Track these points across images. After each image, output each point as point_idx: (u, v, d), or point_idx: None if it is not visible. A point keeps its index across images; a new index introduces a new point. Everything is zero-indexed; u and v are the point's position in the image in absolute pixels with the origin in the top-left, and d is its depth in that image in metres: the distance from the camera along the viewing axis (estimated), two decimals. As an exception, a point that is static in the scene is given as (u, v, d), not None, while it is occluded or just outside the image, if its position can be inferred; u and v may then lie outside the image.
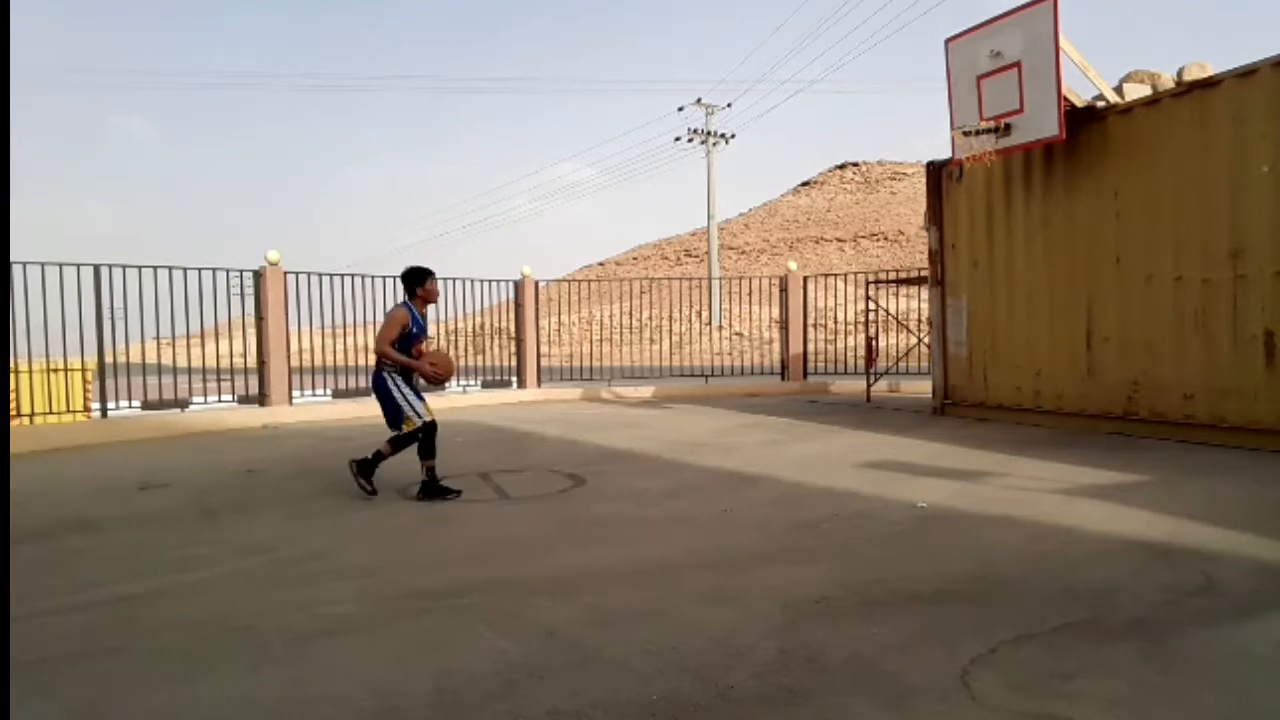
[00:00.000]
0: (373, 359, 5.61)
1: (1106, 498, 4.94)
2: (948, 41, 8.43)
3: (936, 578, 3.52)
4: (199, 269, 9.91)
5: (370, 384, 5.68)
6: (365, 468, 5.49)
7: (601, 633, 2.98)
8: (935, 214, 9.71)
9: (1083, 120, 7.73)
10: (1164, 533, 4.11)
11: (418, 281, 5.56)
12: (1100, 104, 7.76)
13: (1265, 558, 3.68)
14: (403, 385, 5.44)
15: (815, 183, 79.40)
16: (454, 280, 12.19)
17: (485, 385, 12.87)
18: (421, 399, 5.51)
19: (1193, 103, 6.97)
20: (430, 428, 5.42)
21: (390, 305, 11.86)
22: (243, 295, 10.63)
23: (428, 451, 5.43)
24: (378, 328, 5.66)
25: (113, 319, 9.40)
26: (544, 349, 14.46)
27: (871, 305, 12.38)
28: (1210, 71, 7.28)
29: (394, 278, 11.42)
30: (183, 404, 10.08)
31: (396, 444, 5.48)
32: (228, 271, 10.29)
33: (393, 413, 5.45)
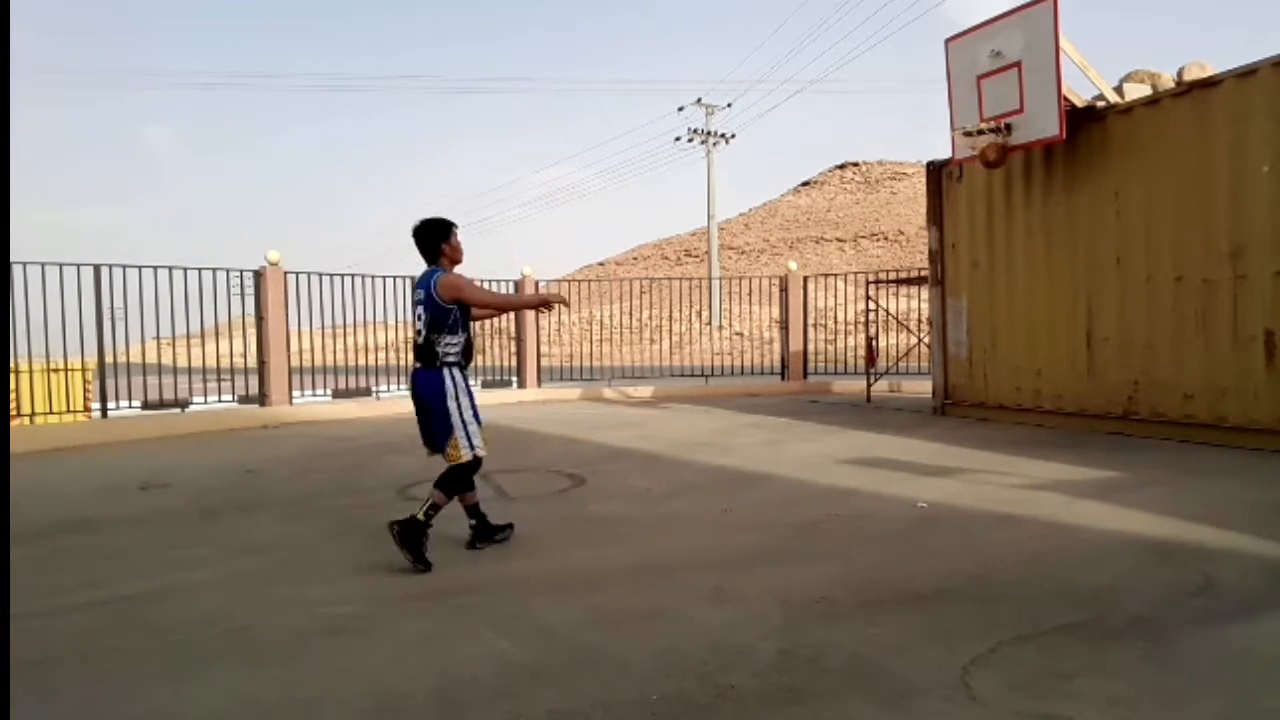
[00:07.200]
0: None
1: (1107, 498, 4.93)
2: (948, 41, 8.42)
3: (936, 578, 3.51)
4: (199, 269, 9.92)
5: (412, 385, 4.08)
6: (412, 535, 3.78)
7: (601, 633, 2.98)
8: (935, 214, 9.71)
9: (1083, 120, 7.72)
10: (1164, 533, 4.11)
11: (443, 236, 4.02)
12: (1100, 104, 7.76)
13: (1265, 558, 3.68)
14: (464, 395, 3.97)
15: (815, 183, 79.39)
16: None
17: (485, 385, 12.86)
18: (480, 422, 4.06)
19: (1193, 103, 6.96)
20: (477, 465, 4.06)
21: (391, 305, 12.11)
22: (243, 295, 10.62)
23: (465, 483, 4.10)
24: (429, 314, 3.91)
25: (113, 319, 9.41)
26: (544, 349, 14.45)
27: (871, 305, 12.37)
28: (1210, 71, 7.27)
29: (395, 278, 11.55)
30: (183, 404, 10.07)
31: (448, 484, 3.95)
32: (228, 271, 10.28)
33: (442, 430, 3.95)
